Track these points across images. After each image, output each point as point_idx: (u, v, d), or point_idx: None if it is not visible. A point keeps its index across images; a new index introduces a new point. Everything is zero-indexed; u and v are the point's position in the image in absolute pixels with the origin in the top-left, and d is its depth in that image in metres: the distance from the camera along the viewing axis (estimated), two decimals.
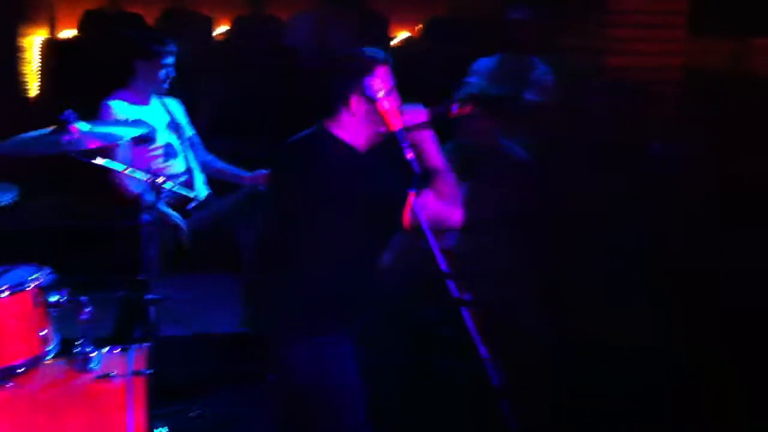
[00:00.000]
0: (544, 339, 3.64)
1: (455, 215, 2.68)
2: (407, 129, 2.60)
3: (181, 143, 4.21)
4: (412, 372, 3.68)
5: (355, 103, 2.68)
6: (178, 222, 3.97)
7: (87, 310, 2.82)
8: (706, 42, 6.14)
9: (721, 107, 4.74)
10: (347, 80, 2.67)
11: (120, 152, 3.79)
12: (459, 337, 2.16)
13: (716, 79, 5.80)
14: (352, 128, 2.72)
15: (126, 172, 3.20)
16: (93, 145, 2.88)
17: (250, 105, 5.77)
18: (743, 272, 3.87)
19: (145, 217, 3.02)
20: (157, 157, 4.06)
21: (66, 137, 2.88)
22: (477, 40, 6.71)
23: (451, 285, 1.99)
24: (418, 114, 2.67)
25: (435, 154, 2.69)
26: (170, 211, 3.95)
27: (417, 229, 2.20)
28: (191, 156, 4.25)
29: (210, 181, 4.34)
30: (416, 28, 7.51)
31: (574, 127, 5.29)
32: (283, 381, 2.77)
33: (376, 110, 2.63)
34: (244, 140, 5.15)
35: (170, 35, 4.27)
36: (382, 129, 2.66)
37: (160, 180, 3.06)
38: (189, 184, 4.11)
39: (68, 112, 2.91)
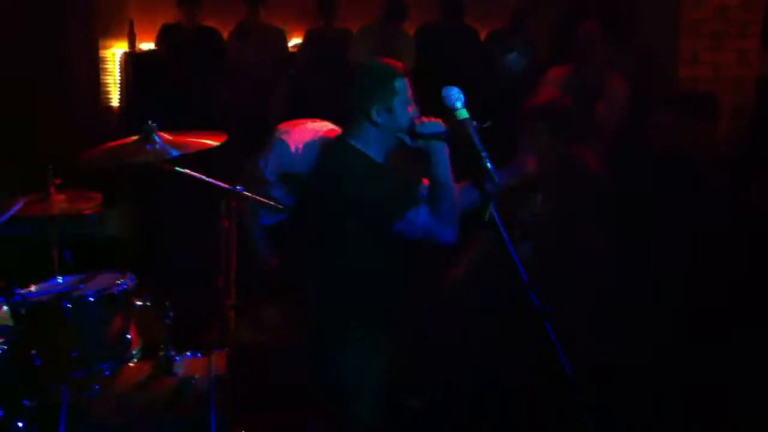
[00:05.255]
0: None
1: (446, 235, 2.68)
2: (423, 137, 2.62)
3: None
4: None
5: (375, 113, 2.70)
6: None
7: (170, 314, 2.90)
8: None
9: None
10: (366, 92, 2.71)
11: None
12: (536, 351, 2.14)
13: None
14: (372, 139, 2.75)
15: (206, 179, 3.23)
16: (177, 154, 2.93)
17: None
18: None
19: (224, 224, 3.06)
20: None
21: (150, 146, 2.94)
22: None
23: (533, 297, 1.99)
24: (435, 126, 2.64)
25: (443, 168, 2.66)
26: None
27: (496, 239, 2.19)
28: None
29: None
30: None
31: (643, 140, 5.22)
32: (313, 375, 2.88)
33: (394, 119, 2.68)
34: None
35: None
36: (400, 138, 2.71)
37: (239, 187, 3.08)
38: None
39: (151, 122, 2.96)
